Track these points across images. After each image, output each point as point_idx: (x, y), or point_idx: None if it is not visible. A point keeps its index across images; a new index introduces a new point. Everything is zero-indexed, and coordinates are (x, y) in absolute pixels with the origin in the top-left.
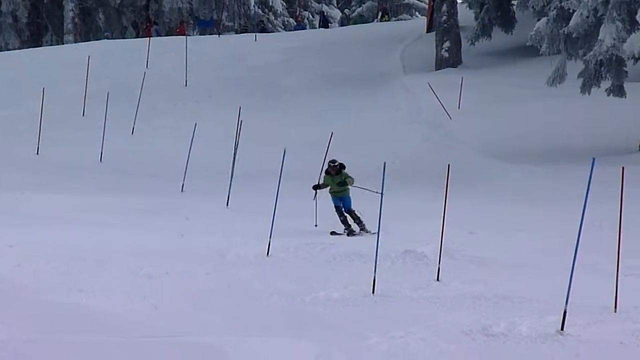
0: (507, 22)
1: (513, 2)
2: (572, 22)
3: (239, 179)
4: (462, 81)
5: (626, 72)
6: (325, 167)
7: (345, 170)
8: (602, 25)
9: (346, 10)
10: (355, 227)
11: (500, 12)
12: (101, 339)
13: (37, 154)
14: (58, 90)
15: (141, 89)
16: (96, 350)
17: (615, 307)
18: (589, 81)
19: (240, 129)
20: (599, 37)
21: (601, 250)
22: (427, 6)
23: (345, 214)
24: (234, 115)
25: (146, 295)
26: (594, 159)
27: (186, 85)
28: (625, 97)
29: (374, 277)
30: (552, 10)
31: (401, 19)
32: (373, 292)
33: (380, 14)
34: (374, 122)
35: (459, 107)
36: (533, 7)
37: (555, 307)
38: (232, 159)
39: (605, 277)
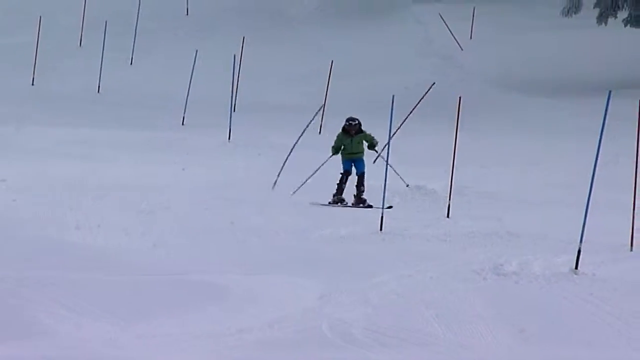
0: None
1: None
2: None
3: (240, 112)
4: (474, 11)
5: None
6: (341, 123)
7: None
8: None
9: None
10: (348, 199)
11: None
12: (100, 277)
13: (33, 84)
14: (54, 20)
15: (137, 18)
16: (95, 288)
17: (632, 245)
18: (606, 11)
19: (241, 60)
20: None
21: (617, 186)
22: None
23: (346, 183)
24: (236, 46)
25: (145, 232)
26: (610, 91)
27: (187, 14)
28: None
29: (382, 214)
30: None
31: None
32: (381, 229)
33: None
34: (382, 54)
35: (470, 38)
36: None
37: (569, 245)
38: (235, 91)
39: (622, 214)
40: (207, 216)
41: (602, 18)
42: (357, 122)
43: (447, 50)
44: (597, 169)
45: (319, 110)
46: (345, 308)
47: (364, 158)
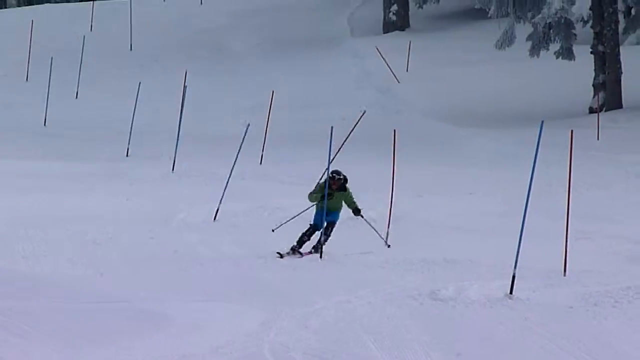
0: None
1: None
2: None
3: (184, 143)
4: (410, 45)
5: (575, 34)
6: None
7: (348, 186)
8: None
9: None
10: (306, 247)
11: None
12: (46, 304)
13: None
14: (1, 54)
15: (82, 53)
16: (43, 315)
17: (565, 271)
18: (538, 44)
19: (185, 93)
20: (547, 0)
21: (551, 214)
22: None
23: (309, 238)
24: (179, 79)
25: (91, 261)
26: (542, 121)
27: (131, 49)
28: (574, 59)
29: (321, 242)
30: None
31: None
32: (321, 257)
33: None
34: (321, 86)
35: (407, 71)
36: None
37: (504, 271)
38: (178, 123)
39: (555, 241)
40: (151, 245)
41: (534, 50)
42: (342, 177)
43: (384, 83)
44: (530, 197)
45: (247, 128)
46: (286, 333)
47: (340, 213)
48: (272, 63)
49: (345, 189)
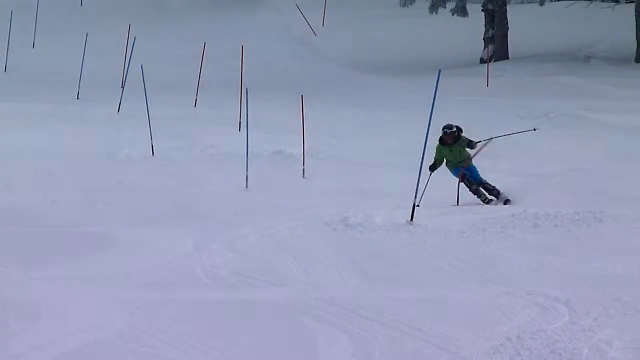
0: None
1: None
2: None
3: (129, 88)
4: (325, 2)
5: None
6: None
7: (463, 134)
8: None
9: None
10: (490, 196)
11: None
12: (7, 230)
13: None
14: None
15: (37, 8)
16: (3, 239)
17: (458, 201)
18: (436, 2)
19: (127, 44)
20: None
21: None
22: None
23: (476, 185)
24: (124, 32)
25: (45, 191)
26: (439, 70)
27: (81, 4)
28: (467, 16)
29: (247, 174)
30: None
31: None
32: (246, 187)
33: None
34: (247, 39)
35: (323, 25)
36: None
37: (406, 201)
38: (124, 70)
39: (450, 175)
40: (99, 176)
41: (433, 8)
42: (454, 129)
43: (302, 36)
44: (428, 136)
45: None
46: (216, 255)
47: (473, 163)
48: (206, 18)
49: (460, 138)
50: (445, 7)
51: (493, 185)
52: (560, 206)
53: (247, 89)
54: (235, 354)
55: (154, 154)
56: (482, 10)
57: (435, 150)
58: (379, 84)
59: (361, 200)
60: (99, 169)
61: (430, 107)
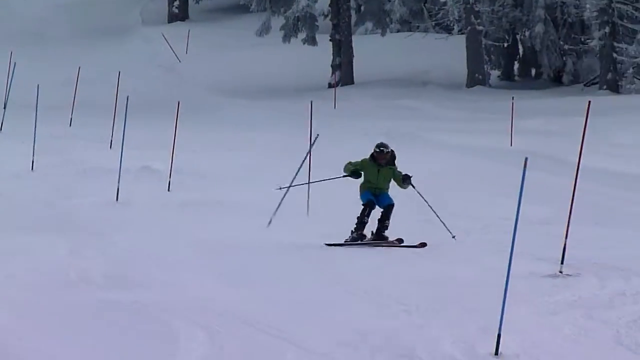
0: None
1: None
2: None
3: (12, 109)
4: (189, 32)
5: (317, 25)
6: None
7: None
8: None
9: None
10: (368, 234)
11: None
12: None
13: None
14: None
15: None
16: None
17: (308, 211)
18: (289, 33)
19: (9, 69)
20: None
21: (296, 166)
22: None
23: (369, 217)
24: (5, 59)
25: None
26: (289, 93)
27: None
28: (317, 45)
29: (118, 188)
30: None
31: None
32: (117, 199)
33: None
34: (119, 65)
35: (186, 53)
36: None
37: (263, 210)
38: (6, 93)
39: (301, 189)
40: None
41: (286, 38)
42: (390, 150)
43: (168, 62)
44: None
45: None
46: (88, 259)
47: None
48: (81, 46)
49: (393, 164)
50: (297, 37)
51: (387, 224)
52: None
53: (124, 109)
54: (102, 348)
55: (34, 169)
56: (330, 40)
57: (360, 161)
58: (237, 105)
59: (220, 210)
60: None
61: (283, 127)
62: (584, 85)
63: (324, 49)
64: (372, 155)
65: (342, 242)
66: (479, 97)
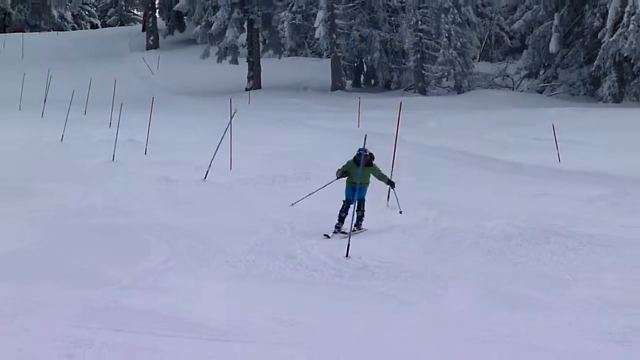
0: (181, 26)
1: (185, 16)
2: (213, 27)
3: (50, 104)
4: (159, 57)
5: (239, 52)
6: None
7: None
8: (228, 29)
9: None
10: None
11: (177, 21)
12: None
13: None
14: None
15: None
16: None
17: (231, 166)
18: (221, 56)
19: (50, 80)
20: (226, 35)
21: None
22: (142, 18)
23: (347, 212)
24: (45, 73)
25: None
26: (221, 94)
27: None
28: (238, 64)
29: (114, 152)
30: (203, 22)
31: (130, 24)
32: (113, 159)
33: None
34: (114, 76)
35: (157, 69)
36: (194, 20)
37: (200, 165)
38: (46, 93)
39: (227, 152)
40: None
41: (219, 59)
42: (368, 154)
43: (145, 75)
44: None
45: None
46: (93, 197)
47: (368, 188)
48: (91, 64)
49: (371, 165)
50: (226, 59)
51: (360, 214)
52: (288, 169)
53: (118, 103)
54: (100, 252)
55: (62, 141)
56: (246, 61)
57: (347, 163)
58: (188, 101)
59: (176, 166)
60: None
61: (218, 115)
62: (404, 90)
63: (242, 66)
64: (354, 158)
65: (330, 234)
66: (338, 98)
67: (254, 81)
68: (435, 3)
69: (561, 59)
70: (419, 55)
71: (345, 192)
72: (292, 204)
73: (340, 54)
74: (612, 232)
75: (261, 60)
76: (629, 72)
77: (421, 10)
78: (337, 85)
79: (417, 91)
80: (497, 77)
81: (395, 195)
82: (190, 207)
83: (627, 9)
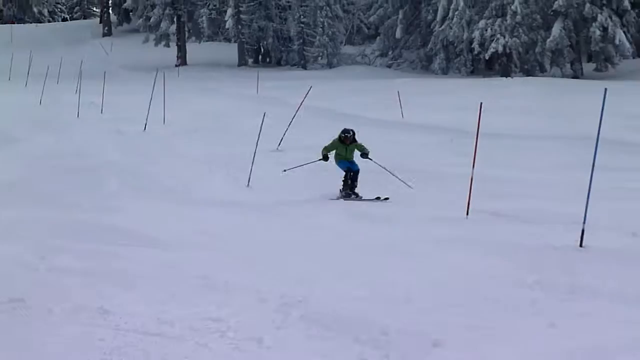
0: (128, 19)
1: (131, 12)
2: (151, 20)
3: (32, 77)
4: (112, 42)
5: (170, 38)
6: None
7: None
8: (162, 21)
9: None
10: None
11: (125, 15)
12: None
13: None
14: None
15: None
16: None
17: (164, 121)
18: (158, 41)
19: (31, 59)
20: (161, 26)
21: (182, 107)
22: (99, 13)
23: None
24: (27, 54)
25: None
26: (157, 69)
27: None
28: (170, 47)
29: (78, 111)
30: (144, 16)
31: (91, 18)
32: (78, 116)
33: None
34: (80, 56)
35: (111, 50)
36: (137, 15)
37: (143, 119)
38: (28, 69)
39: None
40: None
41: (156, 43)
42: (351, 133)
43: (103, 56)
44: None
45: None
46: (62, 143)
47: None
48: (62, 48)
49: (355, 141)
50: (161, 43)
51: (356, 184)
52: (209, 124)
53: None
54: (67, 186)
55: (41, 103)
56: (176, 45)
57: (332, 143)
58: (134, 75)
59: (124, 122)
60: None
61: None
62: (291, 66)
63: (173, 49)
64: (339, 137)
65: (340, 197)
66: (243, 72)
67: (182, 60)
68: (313, 2)
69: (404, 43)
70: (301, 41)
71: (340, 166)
72: (284, 171)
73: (244, 40)
74: (439, 169)
75: (187, 44)
76: (453, 52)
77: (302, 7)
78: (242, 63)
79: (300, 67)
80: (358, 56)
81: (382, 167)
82: (134, 150)
83: (452, 6)
